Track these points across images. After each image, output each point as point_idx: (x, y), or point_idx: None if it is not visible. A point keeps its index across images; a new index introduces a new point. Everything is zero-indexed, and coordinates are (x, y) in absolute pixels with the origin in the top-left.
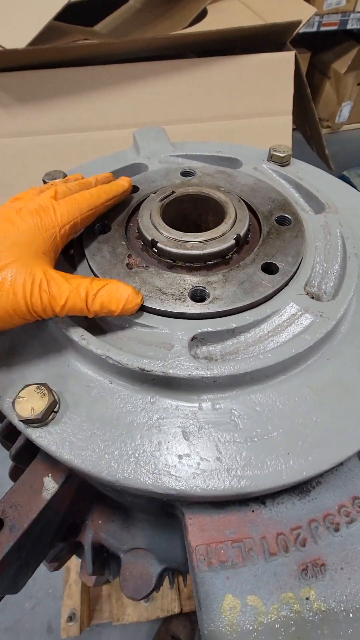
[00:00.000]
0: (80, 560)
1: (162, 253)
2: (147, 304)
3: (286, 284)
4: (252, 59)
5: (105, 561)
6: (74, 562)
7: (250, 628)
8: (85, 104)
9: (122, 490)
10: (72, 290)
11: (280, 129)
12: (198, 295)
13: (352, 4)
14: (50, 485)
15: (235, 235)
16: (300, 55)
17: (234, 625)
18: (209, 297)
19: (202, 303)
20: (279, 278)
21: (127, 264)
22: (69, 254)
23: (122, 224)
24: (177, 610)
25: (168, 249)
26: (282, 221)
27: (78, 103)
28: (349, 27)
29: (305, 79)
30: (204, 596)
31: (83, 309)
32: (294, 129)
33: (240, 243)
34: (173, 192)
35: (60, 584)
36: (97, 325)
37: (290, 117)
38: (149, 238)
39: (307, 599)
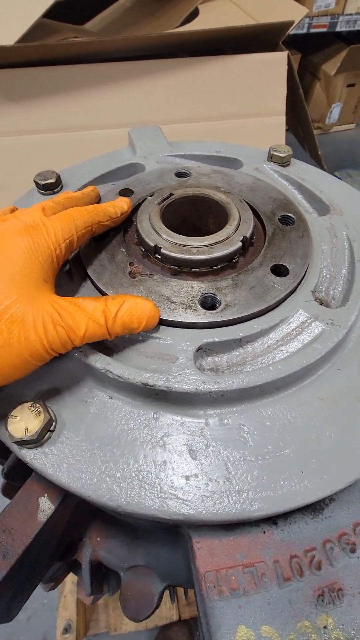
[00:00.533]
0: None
1: (166, 259)
2: (167, 316)
3: (297, 285)
4: (245, 59)
5: (103, 577)
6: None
7: None
8: (76, 103)
9: (125, 514)
10: (89, 318)
11: (273, 130)
12: (208, 302)
13: (341, 7)
14: (46, 507)
15: (242, 238)
16: (291, 56)
17: None
18: (220, 304)
19: (214, 311)
20: (290, 280)
21: (130, 273)
22: (64, 268)
23: (119, 229)
24: (175, 618)
25: (173, 254)
26: (285, 221)
27: (69, 102)
28: (338, 29)
29: (298, 79)
30: (215, 629)
31: (104, 334)
32: (286, 130)
33: (246, 245)
34: (171, 195)
35: (55, 595)
36: None
37: (283, 118)
38: (151, 244)
39: (324, 627)
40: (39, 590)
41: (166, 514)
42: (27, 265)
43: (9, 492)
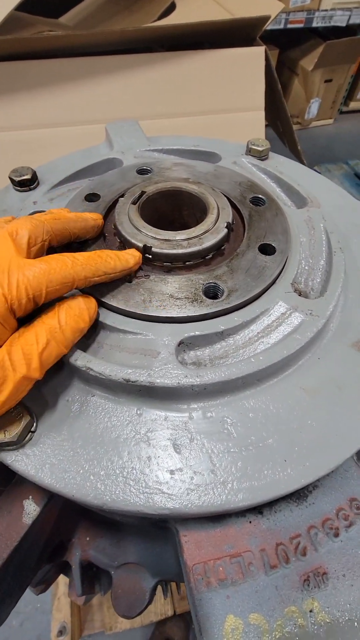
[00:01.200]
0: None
1: (158, 257)
2: (166, 314)
3: (286, 262)
4: (223, 53)
5: (95, 577)
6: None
7: None
8: (52, 99)
9: (111, 512)
10: (33, 343)
11: (253, 125)
12: (211, 292)
13: (317, 3)
14: (31, 509)
15: (226, 224)
16: (269, 51)
17: None
18: (223, 291)
19: (220, 299)
20: (280, 257)
21: (126, 279)
22: None
23: (99, 237)
24: (170, 613)
25: (165, 251)
26: (257, 202)
27: (45, 97)
28: (314, 24)
29: (276, 74)
30: (203, 619)
31: (61, 350)
32: (266, 125)
33: (230, 231)
34: (144, 192)
35: (48, 598)
36: None
37: (262, 113)
38: (140, 245)
39: (310, 611)
40: (31, 594)
41: (152, 509)
42: None
43: None
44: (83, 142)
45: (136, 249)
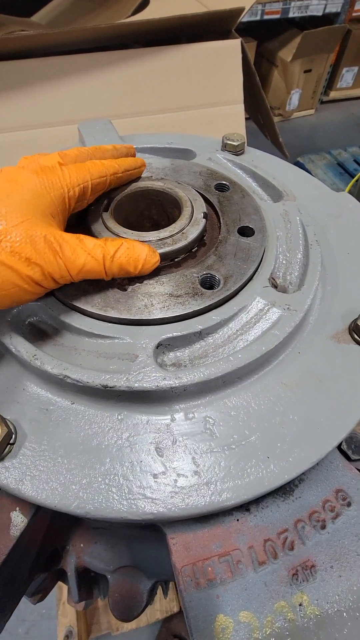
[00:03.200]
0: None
1: None
2: (171, 313)
3: (264, 240)
4: (198, 47)
5: (92, 582)
6: None
7: None
8: (25, 100)
9: (95, 520)
10: (88, 254)
11: (233, 119)
12: (208, 283)
13: None
14: (19, 520)
15: (203, 214)
16: (247, 44)
17: None
18: (219, 280)
19: (218, 288)
20: (259, 236)
21: (119, 286)
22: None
23: None
24: (176, 610)
25: None
26: (221, 188)
27: (17, 99)
28: (291, 15)
29: (254, 67)
30: (194, 620)
31: (101, 272)
32: (247, 119)
33: (207, 220)
34: (112, 198)
35: (53, 603)
36: (51, 337)
37: (242, 106)
38: None
39: (300, 605)
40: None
41: (135, 514)
42: (36, 197)
43: None
44: (59, 143)
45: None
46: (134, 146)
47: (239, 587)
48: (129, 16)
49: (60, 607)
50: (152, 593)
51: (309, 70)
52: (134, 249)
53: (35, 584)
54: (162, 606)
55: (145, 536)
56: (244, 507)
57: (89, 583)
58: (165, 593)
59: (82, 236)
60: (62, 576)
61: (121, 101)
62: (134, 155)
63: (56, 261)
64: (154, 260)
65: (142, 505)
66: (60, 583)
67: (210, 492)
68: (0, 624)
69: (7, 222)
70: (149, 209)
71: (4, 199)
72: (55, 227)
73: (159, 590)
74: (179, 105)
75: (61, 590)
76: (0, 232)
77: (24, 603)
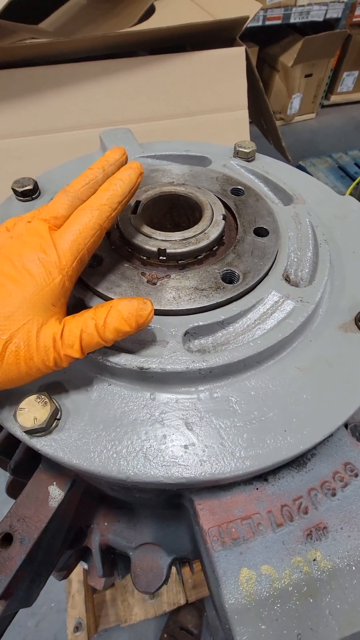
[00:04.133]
0: (85, 567)
1: (173, 257)
2: (197, 304)
3: (277, 240)
4: (204, 55)
5: (113, 562)
6: (75, 571)
7: (267, 595)
8: (36, 106)
9: (133, 486)
10: (81, 330)
11: (237, 124)
12: (228, 278)
13: None
14: (57, 493)
15: (222, 216)
16: (249, 49)
17: (252, 594)
18: (239, 275)
19: (238, 283)
20: (273, 236)
21: (148, 281)
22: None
23: (109, 251)
24: (182, 602)
25: (178, 250)
26: (237, 192)
27: (29, 105)
28: (292, 20)
29: (257, 72)
30: (221, 573)
31: (99, 342)
32: (250, 123)
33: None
34: (139, 201)
35: (62, 597)
36: None
37: (246, 112)
38: (154, 249)
39: (314, 560)
40: (45, 594)
41: (170, 479)
42: (37, 292)
43: (14, 491)
44: (69, 148)
45: (150, 254)
46: (155, 154)
47: (260, 545)
48: (135, 24)
49: (69, 599)
50: (170, 569)
51: (310, 75)
52: (123, 309)
53: (62, 561)
54: (169, 598)
55: (165, 515)
56: (263, 477)
57: (110, 562)
58: (179, 573)
59: (77, 315)
60: (84, 555)
61: (129, 107)
62: (125, 162)
63: (57, 354)
64: (148, 311)
65: (176, 471)
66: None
67: (235, 460)
68: (37, 590)
69: (10, 326)
70: (170, 212)
71: (7, 299)
72: (55, 315)
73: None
74: (185, 111)
75: (70, 583)
76: (6, 340)
77: None
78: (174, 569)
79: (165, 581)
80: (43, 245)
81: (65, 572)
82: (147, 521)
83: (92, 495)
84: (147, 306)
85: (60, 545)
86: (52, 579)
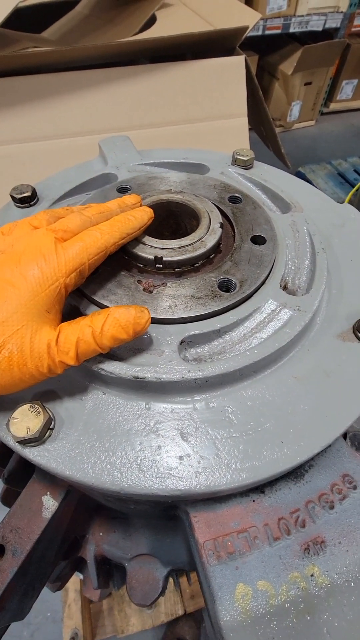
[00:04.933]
0: (80, 577)
1: (170, 265)
2: (193, 313)
3: (275, 248)
4: (204, 63)
5: (108, 573)
6: (71, 581)
7: (263, 611)
8: (38, 113)
9: (127, 498)
10: (78, 337)
11: (237, 131)
12: (225, 286)
13: (293, 9)
14: (50, 504)
15: (219, 224)
16: (249, 57)
17: (248, 611)
18: (236, 284)
19: (235, 291)
20: (271, 244)
21: (144, 290)
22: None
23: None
24: (180, 612)
25: (175, 258)
26: (234, 200)
27: (31, 112)
28: (291, 30)
29: (257, 81)
30: (217, 589)
31: (96, 349)
32: (250, 129)
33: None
34: None
35: (58, 607)
36: None
37: (245, 119)
38: (150, 257)
39: (311, 575)
40: (41, 604)
41: (164, 491)
42: (32, 297)
43: (9, 500)
44: (71, 154)
45: (147, 262)
46: (153, 161)
47: (256, 560)
48: (136, 34)
49: (65, 609)
50: (167, 581)
51: (310, 83)
52: (120, 317)
53: (56, 572)
54: (167, 609)
55: (161, 526)
56: (259, 489)
57: (105, 573)
58: (176, 584)
59: (73, 322)
60: (79, 566)
61: (130, 114)
62: (140, 205)
63: (52, 360)
64: (145, 319)
65: (170, 483)
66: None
67: (231, 472)
68: (30, 602)
69: (3, 331)
70: (167, 219)
71: (3, 304)
72: (50, 322)
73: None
74: (185, 118)
75: (67, 593)
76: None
77: None
78: (171, 580)
79: (162, 593)
80: (44, 252)
81: (59, 584)
82: (143, 532)
83: (86, 506)
84: (144, 314)
85: (54, 556)
86: (47, 589)
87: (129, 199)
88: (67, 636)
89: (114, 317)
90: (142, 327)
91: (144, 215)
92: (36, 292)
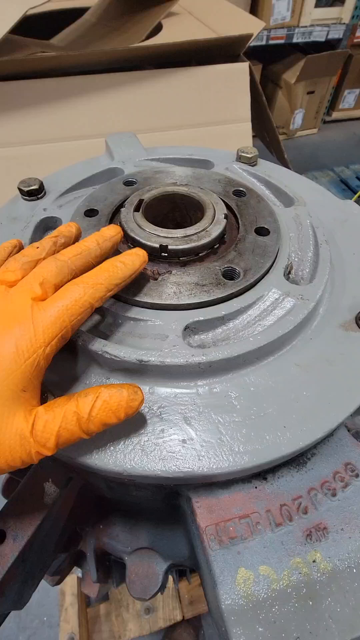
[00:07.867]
0: (79, 575)
1: (175, 253)
2: (198, 299)
3: (278, 239)
4: (209, 69)
5: (107, 569)
6: (69, 584)
7: (265, 596)
8: (46, 116)
9: (130, 481)
10: (60, 426)
11: (241, 135)
12: (229, 275)
13: (296, 20)
14: (51, 490)
15: (224, 215)
16: (253, 66)
17: (249, 595)
18: (240, 272)
19: (239, 279)
20: (275, 236)
21: (151, 277)
22: None
23: None
24: (179, 618)
25: (180, 247)
26: (239, 194)
27: (39, 114)
28: (295, 40)
29: (260, 87)
30: (218, 572)
31: (80, 437)
32: (253, 136)
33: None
34: (142, 200)
35: (54, 611)
36: (89, 320)
37: (249, 124)
38: (156, 245)
39: (314, 561)
40: (37, 608)
41: (167, 473)
42: (5, 377)
43: (10, 492)
44: (77, 156)
45: (152, 250)
46: (159, 157)
47: (258, 545)
48: (143, 41)
49: (62, 612)
50: (166, 576)
51: (312, 92)
52: (111, 399)
53: (56, 564)
54: (165, 614)
55: (162, 519)
56: (262, 475)
57: (105, 568)
58: (175, 582)
59: (51, 404)
60: (79, 559)
61: (135, 118)
62: (117, 243)
63: (25, 452)
64: (138, 402)
65: (174, 465)
66: (61, 589)
67: (234, 455)
68: (29, 591)
69: None
70: (173, 211)
71: None
72: (24, 404)
73: (162, 597)
74: (190, 123)
75: (64, 596)
76: None
77: (24, 611)
78: (170, 581)
79: (161, 588)
80: (20, 319)
81: (58, 577)
82: (144, 525)
83: (88, 496)
84: (137, 395)
85: (54, 547)
86: (44, 592)
87: (107, 231)
88: None
89: (103, 399)
90: (134, 410)
91: (136, 260)
92: (9, 371)
